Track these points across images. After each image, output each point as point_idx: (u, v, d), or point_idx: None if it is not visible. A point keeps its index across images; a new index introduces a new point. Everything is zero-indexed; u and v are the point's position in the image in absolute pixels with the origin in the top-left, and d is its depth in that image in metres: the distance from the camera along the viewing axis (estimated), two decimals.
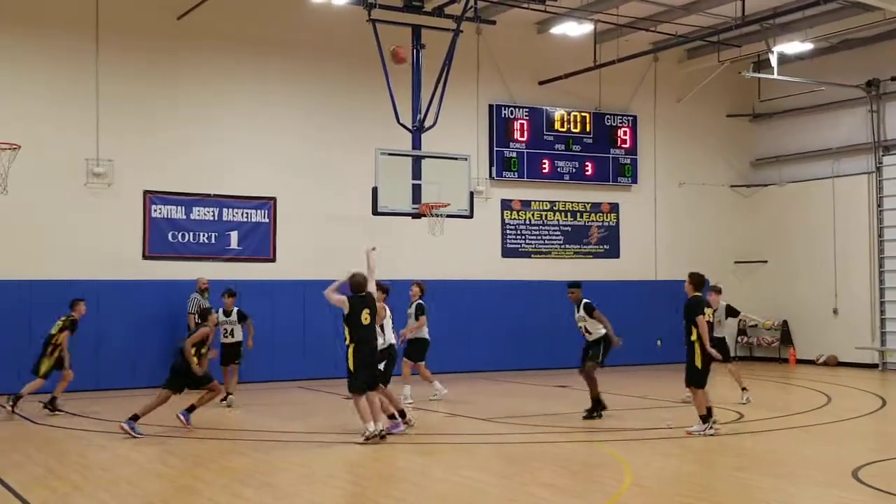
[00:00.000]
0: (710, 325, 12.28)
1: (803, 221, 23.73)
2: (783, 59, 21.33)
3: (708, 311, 12.33)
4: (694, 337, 11.95)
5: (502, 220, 22.09)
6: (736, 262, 24.66)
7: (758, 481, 9.55)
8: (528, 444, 12.00)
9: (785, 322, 23.81)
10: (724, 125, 24.98)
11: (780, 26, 20.46)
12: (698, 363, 11.87)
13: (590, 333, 13.94)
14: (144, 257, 18.37)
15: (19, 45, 17.60)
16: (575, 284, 14.69)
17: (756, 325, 22.69)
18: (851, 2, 17.59)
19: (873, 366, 21.88)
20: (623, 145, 23.34)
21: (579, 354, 14.23)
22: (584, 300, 14.08)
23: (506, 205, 22.15)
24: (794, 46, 20.96)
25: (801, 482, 9.68)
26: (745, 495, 8.91)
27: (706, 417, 11.85)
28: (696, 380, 11.96)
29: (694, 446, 11.67)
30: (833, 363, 22.66)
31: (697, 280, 12.46)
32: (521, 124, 22.16)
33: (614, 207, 23.40)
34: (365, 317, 11.47)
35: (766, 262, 24.47)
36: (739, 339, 24.46)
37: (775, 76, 21.21)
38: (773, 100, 24.21)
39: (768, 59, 21.12)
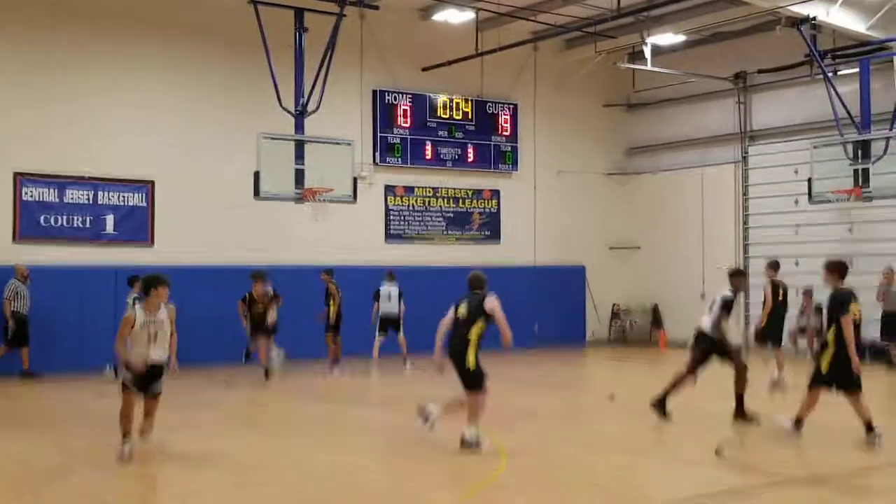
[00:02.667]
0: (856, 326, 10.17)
1: (674, 209, 24.25)
2: (657, 50, 21.70)
3: (855, 307, 10.15)
4: (832, 336, 10.14)
5: (386, 205, 21.89)
6: (610, 248, 25.08)
7: (634, 462, 9.68)
8: (408, 429, 11.88)
9: (655, 306, 24.31)
10: (601, 115, 25.30)
11: (653, 19, 20.79)
12: (823, 367, 10.21)
13: None
14: (14, 241, 17.49)
15: None
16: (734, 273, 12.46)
17: None
18: None
19: None
20: (504, 133, 23.41)
21: None
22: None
23: (389, 190, 21.95)
24: (667, 38, 21.36)
25: (668, 460, 9.85)
26: (622, 477, 8.99)
27: (799, 424, 10.43)
28: (814, 379, 10.40)
29: (568, 431, 11.77)
30: None
31: (835, 267, 10.54)
32: (405, 110, 21.97)
33: (495, 194, 23.47)
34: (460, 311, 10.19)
35: (639, 248, 24.94)
36: (613, 322, 24.92)
37: (649, 67, 21.57)
38: (647, 90, 24.60)
39: (643, 51, 21.48)
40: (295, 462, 9.61)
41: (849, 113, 18.89)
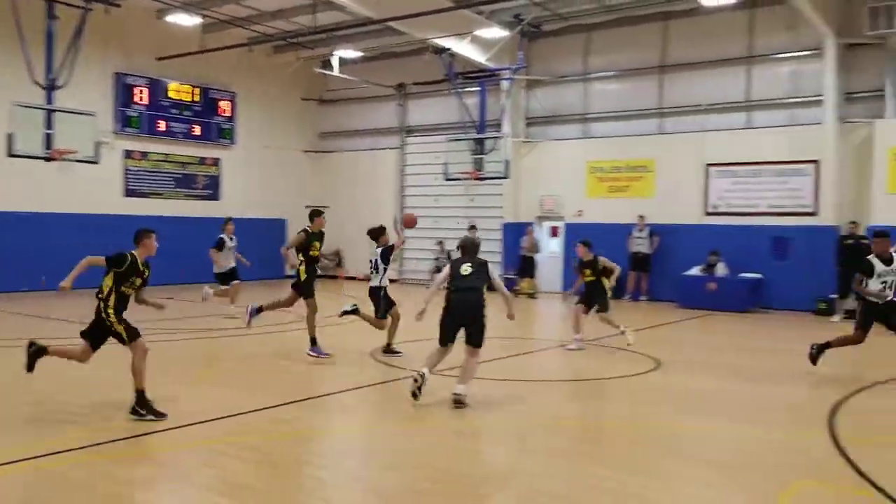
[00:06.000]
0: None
1: (353, 180, 25.12)
2: (343, 61, 22.31)
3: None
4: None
5: (125, 166, 20.87)
6: (306, 206, 25.38)
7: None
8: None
9: (338, 251, 25.17)
10: (300, 105, 25.52)
11: (340, 37, 21.36)
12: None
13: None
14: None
15: None
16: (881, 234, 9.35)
17: None
18: (388, 27, 18.87)
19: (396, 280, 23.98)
20: (224, 114, 23.02)
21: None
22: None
23: (128, 154, 20.93)
24: (350, 53, 22.01)
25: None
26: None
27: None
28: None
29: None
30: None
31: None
32: (142, 90, 20.97)
33: (216, 161, 23.08)
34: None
35: (328, 206, 25.53)
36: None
37: (336, 73, 22.15)
38: (336, 90, 25.18)
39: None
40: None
41: (472, 118, 20.63)
